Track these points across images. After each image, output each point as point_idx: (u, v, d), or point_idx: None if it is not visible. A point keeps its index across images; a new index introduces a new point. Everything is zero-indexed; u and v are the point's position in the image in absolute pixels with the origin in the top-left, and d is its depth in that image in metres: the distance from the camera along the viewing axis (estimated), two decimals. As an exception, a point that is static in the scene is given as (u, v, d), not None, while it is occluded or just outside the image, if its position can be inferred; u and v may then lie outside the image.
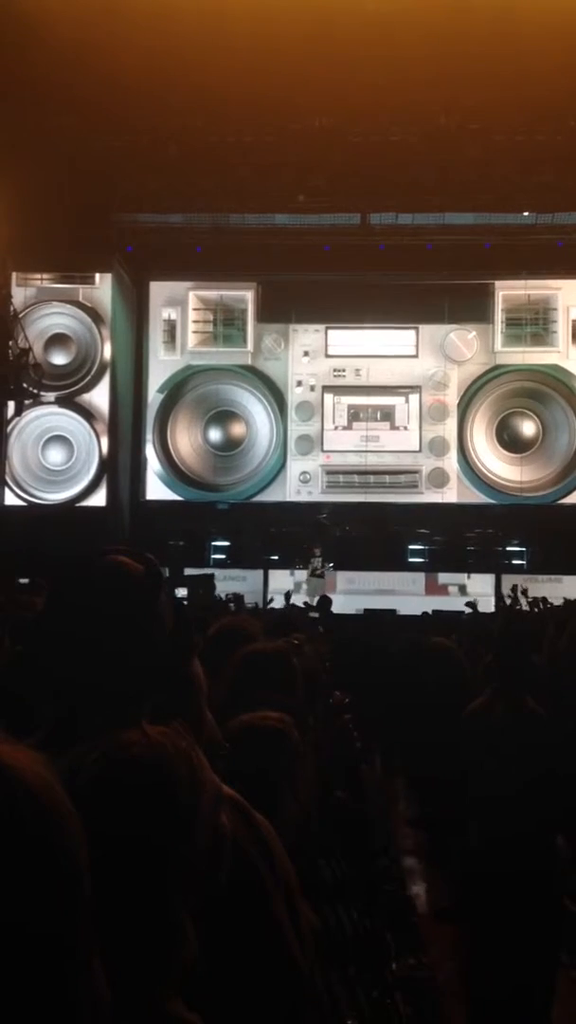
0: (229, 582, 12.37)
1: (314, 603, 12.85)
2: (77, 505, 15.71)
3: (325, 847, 3.01)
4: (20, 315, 14.90)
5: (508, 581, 13.55)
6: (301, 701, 2.48)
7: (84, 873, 0.91)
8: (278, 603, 11.31)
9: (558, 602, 10.41)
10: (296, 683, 2.58)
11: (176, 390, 16.92)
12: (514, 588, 11.06)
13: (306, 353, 16.97)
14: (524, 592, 10.97)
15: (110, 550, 1.60)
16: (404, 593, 14.93)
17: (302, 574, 15.00)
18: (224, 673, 2.54)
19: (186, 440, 16.93)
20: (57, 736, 1.02)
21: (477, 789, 3.96)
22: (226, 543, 15.99)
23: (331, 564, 15.12)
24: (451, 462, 16.65)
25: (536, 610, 9.74)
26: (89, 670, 1.41)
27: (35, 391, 14.66)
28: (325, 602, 10.43)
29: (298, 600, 13.18)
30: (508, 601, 10.88)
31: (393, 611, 13.92)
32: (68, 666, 1.44)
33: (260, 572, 15.15)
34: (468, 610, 9.86)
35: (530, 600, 10.40)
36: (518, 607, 10.35)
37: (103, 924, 0.92)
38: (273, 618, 5.97)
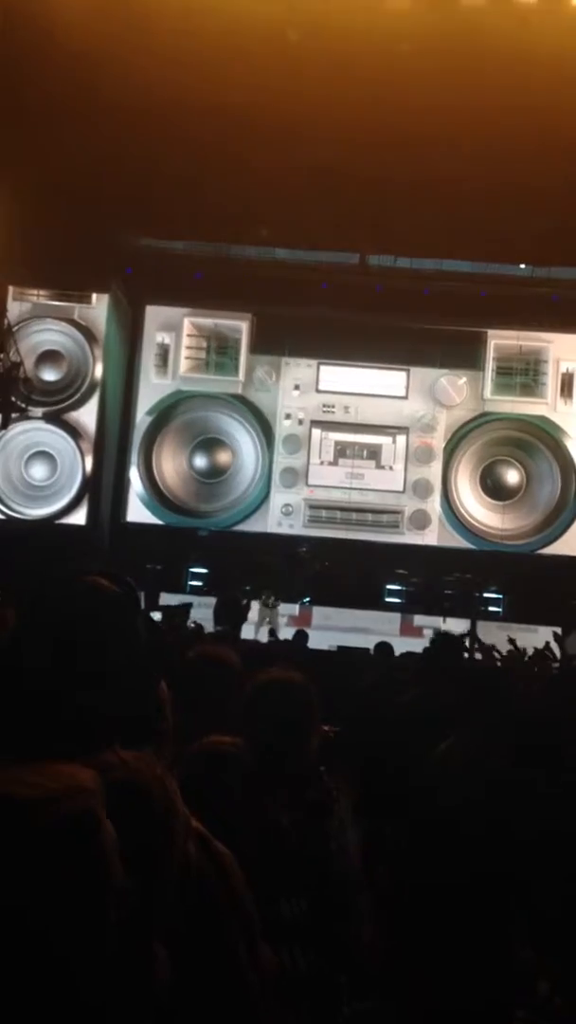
0: (206, 609, 12.28)
1: (267, 633, 12.94)
2: (57, 522, 15.64)
3: (285, 882, 2.96)
4: (14, 329, 14.91)
5: (484, 628, 13.55)
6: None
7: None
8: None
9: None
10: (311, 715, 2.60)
11: (165, 414, 16.93)
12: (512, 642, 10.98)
13: (297, 387, 17.05)
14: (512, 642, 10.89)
15: (87, 571, 1.59)
16: (379, 633, 14.86)
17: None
18: (237, 699, 2.56)
19: (171, 465, 16.92)
20: (30, 755, 1.00)
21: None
22: (204, 570, 15.93)
23: (277, 599, 14.95)
24: (434, 505, 16.71)
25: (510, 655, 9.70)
26: (62, 690, 1.38)
27: (23, 405, 14.64)
28: (301, 637, 10.38)
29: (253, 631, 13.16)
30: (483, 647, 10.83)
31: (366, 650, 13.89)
32: (40, 685, 1.42)
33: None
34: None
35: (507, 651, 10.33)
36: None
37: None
38: (249, 648, 5.94)
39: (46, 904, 0.87)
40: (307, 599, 15.41)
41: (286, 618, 15.01)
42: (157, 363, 17.00)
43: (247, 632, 12.52)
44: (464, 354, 16.93)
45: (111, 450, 16.59)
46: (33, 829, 0.87)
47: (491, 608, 15.63)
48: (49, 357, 15.98)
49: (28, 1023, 0.85)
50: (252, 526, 16.69)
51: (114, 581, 1.54)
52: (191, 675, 3.09)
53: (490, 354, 16.85)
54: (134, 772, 1.09)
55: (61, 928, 0.88)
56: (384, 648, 9.03)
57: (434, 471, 16.78)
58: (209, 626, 10.01)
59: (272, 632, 13.25)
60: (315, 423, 16.94)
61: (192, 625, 9.38)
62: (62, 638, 1.44)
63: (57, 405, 15.86)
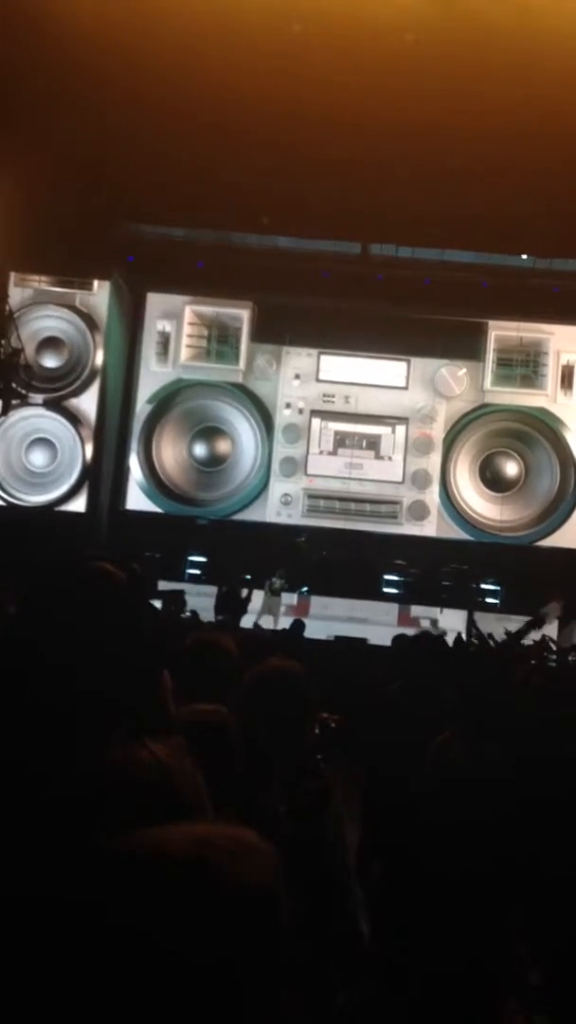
0: (203, 598, 12.32)
1: (267, 620, 12.90)
2: (56, 509, 15.65)
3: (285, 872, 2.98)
4: (15, 315, 14.88)
5: (480, 619, 13.57)
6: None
7: None
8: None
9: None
10: (309, 706, 2.61)
11: (165, 402, 16.93)
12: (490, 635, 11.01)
13: (297, 376, 17.03)
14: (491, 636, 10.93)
15: (92, 556, 1.58)
16: (376, 623, 14.94)
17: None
18: (234, 687, 2.57)
19: (171, 453, 16.92)
20: (33, 744, 1.00)
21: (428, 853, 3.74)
22: (203, 559, 15.95)
23: (285, 583, 14.98)
24: (432, 496, 16.72)
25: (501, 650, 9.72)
26: (65, 677, 1.38)
27: (23, 392, 14.62)
28: (298, 626, 10.41)
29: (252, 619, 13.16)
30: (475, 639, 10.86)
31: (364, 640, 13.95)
32: (42, 673, 1.42)
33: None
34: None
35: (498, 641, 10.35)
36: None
37: None
38: (247, 637, 5.95)
39: (217, 969, 0.87)
40: (305, 588, 15.43)
41: (284, 607, 15.05)
42: (158, 351, 16.98)
43: (247, 622, 12.58)
44: (465, 345, 16.91)
45: (111, 438, 16.58)
46: (221, 898, 0.88)
47: (488, 600, 15.65)
48: (50, 344, 15.97)
49: None
50: (251, 515, 16.70)
51: (120, 567, 1.53)
52: (188, 662, 3.11)
53: (490, 345, 16.84)
54: (167, 768, 1.09)
55: (222, 997, 0.88)
56: (398, 641, 9.03)
57: (433, 462, 16.79)
58: (207, 615, 10.04)
59: (256, 625, 13.05)
60: (315, 412, 16.94)
61: (188, 614, 9.42)
62: (66, 624, 1.43)
63: (57, 392, 15.86)
